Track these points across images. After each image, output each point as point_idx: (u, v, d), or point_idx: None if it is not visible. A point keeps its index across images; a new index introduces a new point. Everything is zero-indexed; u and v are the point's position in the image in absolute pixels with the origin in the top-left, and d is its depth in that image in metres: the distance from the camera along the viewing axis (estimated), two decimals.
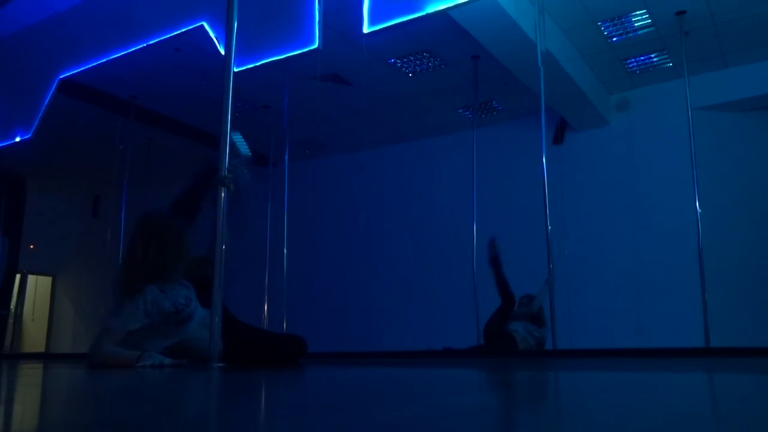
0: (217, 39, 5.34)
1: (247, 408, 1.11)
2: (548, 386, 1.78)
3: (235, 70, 3.23)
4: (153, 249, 2.69)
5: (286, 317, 6.28)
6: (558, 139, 7.72)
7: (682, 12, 5.76)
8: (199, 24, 5.47)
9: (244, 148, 2.94)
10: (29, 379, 2.32)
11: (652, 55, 6.67)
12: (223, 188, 2.88)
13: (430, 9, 4.78)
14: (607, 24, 6.04)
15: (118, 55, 6.02)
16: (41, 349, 11.50)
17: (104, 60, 6.13)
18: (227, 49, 3.18)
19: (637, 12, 5.84)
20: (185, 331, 2.72)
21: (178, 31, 5.64)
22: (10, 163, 8.85)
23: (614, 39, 6.29)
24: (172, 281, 2.73)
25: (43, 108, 6.62)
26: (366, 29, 4.97)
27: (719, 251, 6.21)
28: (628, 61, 6.80)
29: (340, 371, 2.59)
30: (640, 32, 6.16)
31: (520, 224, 7.32)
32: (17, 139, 6.89)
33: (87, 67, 6.28)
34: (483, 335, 5.54)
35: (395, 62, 6.66)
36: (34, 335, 11.91)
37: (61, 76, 6.49)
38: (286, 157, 6.65)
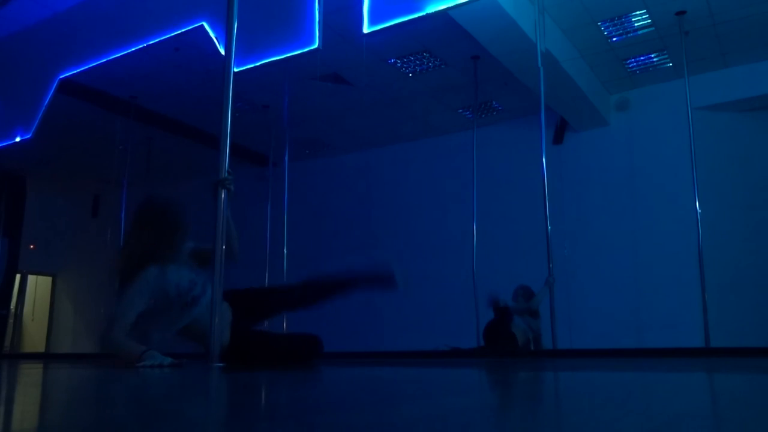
0: (217, 39, 5.34)
1: (252, 408, 1.11)
2: (548, 386, 1.78)
3: (235, 70, 3.23)
4: (149, 232, 2.72)
5: (287, 317, 6.28)
6: (558, 139, 7.72)
7: (682, 12, 5.76)
8: (199, 24, 5.47)
9: None
10: (29, 379, 2.32)
11: (652, 55, 6.67)
12: (222, 189, 2.89)
13: (430, 9, 4.78)
14: (607, 24, 6.04)
15: (118, 55, 6.02)
16: (41, 349, 11.51)
17: (104, 60, 6.12)
18: (227, 49, 3.18)
19: (637, 12, 5.84)
20: (191, 315, 2.74)
21: (178, 31, 5.64)
22: (10, 163, 8.86)
23: (614, 39, 6.29)
24: (174, 262, 2.75)
25: (43, 108, 6.62)
26: (366, 29, 4.97)
27: (719, 251, 6.21)
28: (628, 61, 6.80)
29: (343, 371, 2.59)
30: (640, 32, 6.16)
31: (520, 224, 7.32)
32: (17, 139, 6.89)
33: (87, 67, 6.28)
34: (483, 336, 5.55)
35: (395, 62, 6.66)
36: (34, 335, 11.91)
37: (61, 76, 6.49)
38: (286, 157, 6.65)
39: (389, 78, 6.96)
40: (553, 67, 5.77)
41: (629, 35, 6.21)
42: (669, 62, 6.77)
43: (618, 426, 0.84)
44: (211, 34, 5.39)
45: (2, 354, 9.35)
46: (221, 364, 2.65)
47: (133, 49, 5.92)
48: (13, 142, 6.94)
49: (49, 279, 11.97)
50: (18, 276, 10.77)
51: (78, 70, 6.37)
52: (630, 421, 0.89)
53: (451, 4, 4.75)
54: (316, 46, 4.98)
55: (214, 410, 1.17)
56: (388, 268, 3.03)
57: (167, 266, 2.70)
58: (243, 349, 2.86)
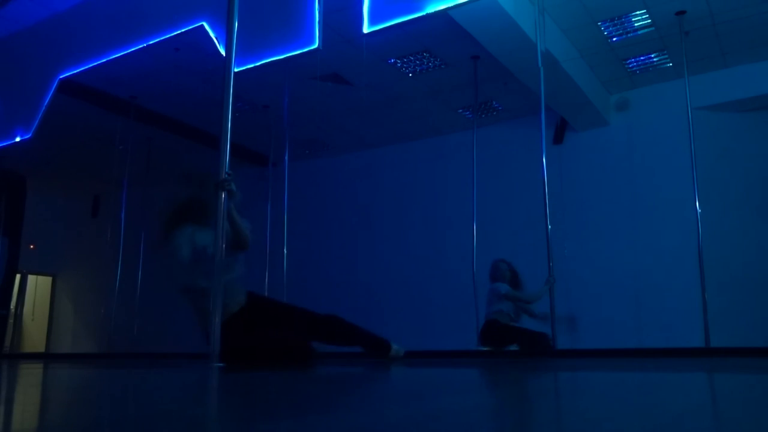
0: (217, 39, 5.34)
1: (251, 408, 1.11)
2: (548, 386, 1.78)
3: (235, 70, 3.23)
4: (186, 194, 3.02)
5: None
6: (558, 139, 7.72)
7: (682, 12, 5.76)
8: (199, 24, 5.47)
9: None
10: (29, 379, 2.32)
11: (652, 55, 6.67)
12: (222, 191, 2.90)
13: (430, 9, 4.78)
14: (607, 24, 6.04)
15: (118, 55, 6.02)
16: (41, 349, 11.51)
17: (104, 60, 6.12)
18: (227, 49, 3.18)
19: (637, 12, 5.84)
20: (197, 282, 2.89)
21: (178, 31, 5.64)
22: (10, 163, 8.85)
23: (614, 39, 6.28)
24: (206, 228, 2.93)
25: (43, 108, 6.62)
26: (366, 29, 4.97)
27: (719, 251, 6.20)
28: (628, 61, 6.80)
29: (343, 371, 2.59)
30: (640, 32, 6.15)
31: (520, 224, 7.32)
32: (17, 139, 6.88)
33: (87, 67, 6.28)
34: (481, 337, 5.54)
35: (395, 62, 6.65)
36: (34, 335, 11.92)
37: (61, 76, 6.49)
38: (286, 157, 6.65)
39: (389, 78, 6.96)
40: (553, 67, 5.77)
41: (629, 35, 6.21)
42: (669, 62, 6.76)
43: (618, 426, 0.84)
44: (211, 34, 5.39)
45: (2, 354, 9.35)
46: (221, 364, 2.65)
47: (133, 49, 5.92)
48: (13, 142, 6.93)
49: (49, 279, 11.97)
50: (18, 276, 10.76)
51: (78, 70, 6.37)
52: (630, 421, 0.89)
53: (451, 4, 4.75)
54: (316, 46, 4.98)
55: (213, 410, 1.17)
56: (386, 341, 3.42)
57: (198, 228, 2.92)
58: (241, 348, 2.88)
